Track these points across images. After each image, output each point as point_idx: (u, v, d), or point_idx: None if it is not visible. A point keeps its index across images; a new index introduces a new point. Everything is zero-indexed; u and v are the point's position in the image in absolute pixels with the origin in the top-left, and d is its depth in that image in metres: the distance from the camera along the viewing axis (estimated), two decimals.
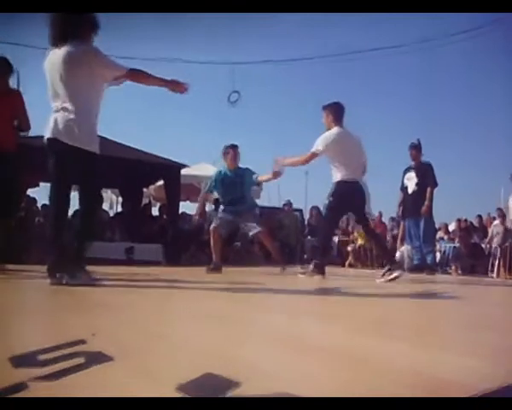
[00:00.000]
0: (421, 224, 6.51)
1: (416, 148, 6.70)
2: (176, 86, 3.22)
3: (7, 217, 4.13)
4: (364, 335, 1.58)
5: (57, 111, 2.95)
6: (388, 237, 10.49)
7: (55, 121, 2.94)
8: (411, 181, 6.65)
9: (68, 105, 2.91)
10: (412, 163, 6.77)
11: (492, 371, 1.08)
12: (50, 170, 3.02)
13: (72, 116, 2.91)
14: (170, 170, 8.04)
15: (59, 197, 3.09)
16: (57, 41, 2.97)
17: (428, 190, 6.44)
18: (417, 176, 6.58)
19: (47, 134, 2.98)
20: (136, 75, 3.13)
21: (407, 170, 6.82)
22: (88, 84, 2.95)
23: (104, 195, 10.38)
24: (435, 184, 6.56)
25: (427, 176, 6.51)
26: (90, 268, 3.06)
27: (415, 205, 6.50)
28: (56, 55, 2.95)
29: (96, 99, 3.08)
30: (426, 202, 6.40)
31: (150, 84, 3.19)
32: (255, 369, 1.04)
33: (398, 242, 8.45)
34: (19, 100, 4.01)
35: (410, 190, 6.66)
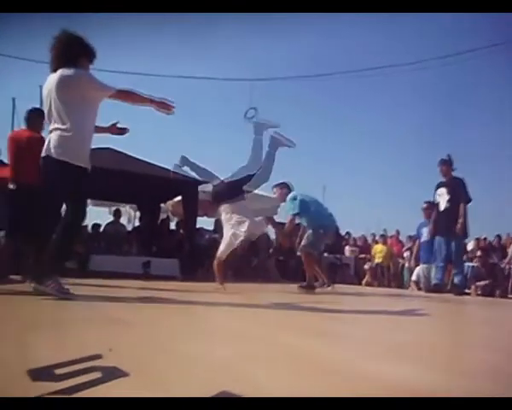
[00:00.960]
0: (453, 243, 6.23)
1: (447, 163, 6.45)
2: (162, 106, 3.24)
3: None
4: (376, 358, 1.57)
5: (51, 132, 3.09)
6: (405, 255, 10.33)
7: (49, 141, 3.07)
8: (443, 197, 6.39)
9: (61, 125, 3.03)
10: (443, 179, 6.51)
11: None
12: (43, 185, 3.12)
13: (63, 134, 3.02)
14: (188, 186, 8.11)
15: (50, 211, 3.21)
16: (55, 67, 3.10)
17: (461, 206, 6.16)
18: (449, 192, 6.33)
19: (41, 153, 3.09)
20: (125, 95, 3.18)
21: (438, 186, 6.54)
22: (79, 105, 3.05)
23: (122, 209, 10.53)
24: (468, 200, 6.29)
25: (459, 191, 6.25)
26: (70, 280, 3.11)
27: (447, 222, 6.22)
28: (51, 80, 3.09)
29: (89, 119, 3.16)
30: (460, 220, 6.09)
31: (138, 104, 3.23)
32: (265, 389, 1.05)
33: (412, 261, 8.24)
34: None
35: (441, 207, 6.39)
